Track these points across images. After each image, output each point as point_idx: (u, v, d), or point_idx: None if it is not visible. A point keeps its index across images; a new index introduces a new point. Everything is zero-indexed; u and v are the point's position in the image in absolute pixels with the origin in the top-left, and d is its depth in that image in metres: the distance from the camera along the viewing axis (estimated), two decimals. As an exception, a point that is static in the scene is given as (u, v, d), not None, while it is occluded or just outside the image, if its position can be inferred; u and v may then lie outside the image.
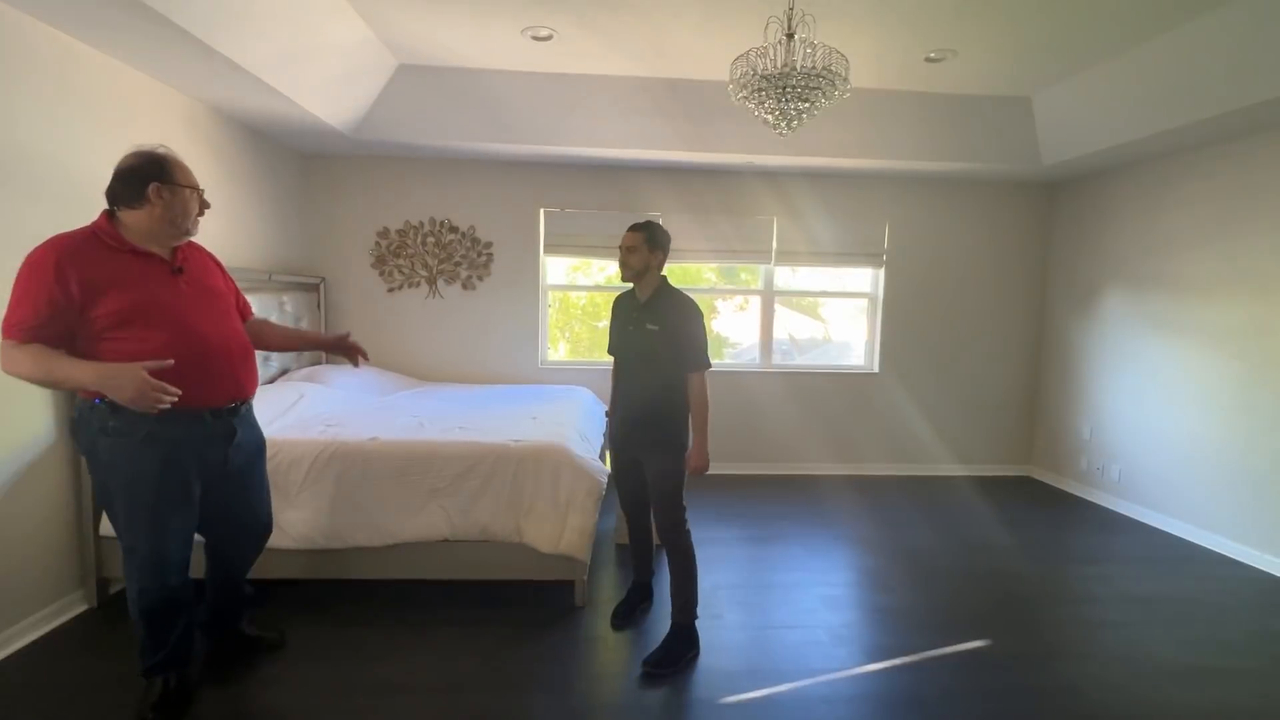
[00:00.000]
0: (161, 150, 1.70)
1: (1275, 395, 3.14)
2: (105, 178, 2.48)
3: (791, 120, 2.22)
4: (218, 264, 1.96)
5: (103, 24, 2.22)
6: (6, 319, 1.55)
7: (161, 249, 1.71)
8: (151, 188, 1.64)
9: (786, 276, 4.77)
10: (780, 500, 4.04)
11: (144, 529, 1.69)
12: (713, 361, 2.28)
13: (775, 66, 2.15)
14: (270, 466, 2.42)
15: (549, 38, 3.02)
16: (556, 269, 4.65)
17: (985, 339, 4.72)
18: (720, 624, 2.49)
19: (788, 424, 4.62)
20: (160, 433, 1.63)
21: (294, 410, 2.92)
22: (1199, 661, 2.31)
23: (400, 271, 4.31)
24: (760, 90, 2.17)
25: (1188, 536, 3.56)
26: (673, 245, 4.54)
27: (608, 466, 3.15)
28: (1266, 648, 2.43)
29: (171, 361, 1.56)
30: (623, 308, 2.40)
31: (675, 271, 4.64)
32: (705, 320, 2.28)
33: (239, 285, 3.21)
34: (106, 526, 2.40)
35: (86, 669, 2.09)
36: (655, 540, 2.46)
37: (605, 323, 4.87)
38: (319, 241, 4.23)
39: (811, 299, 5.01)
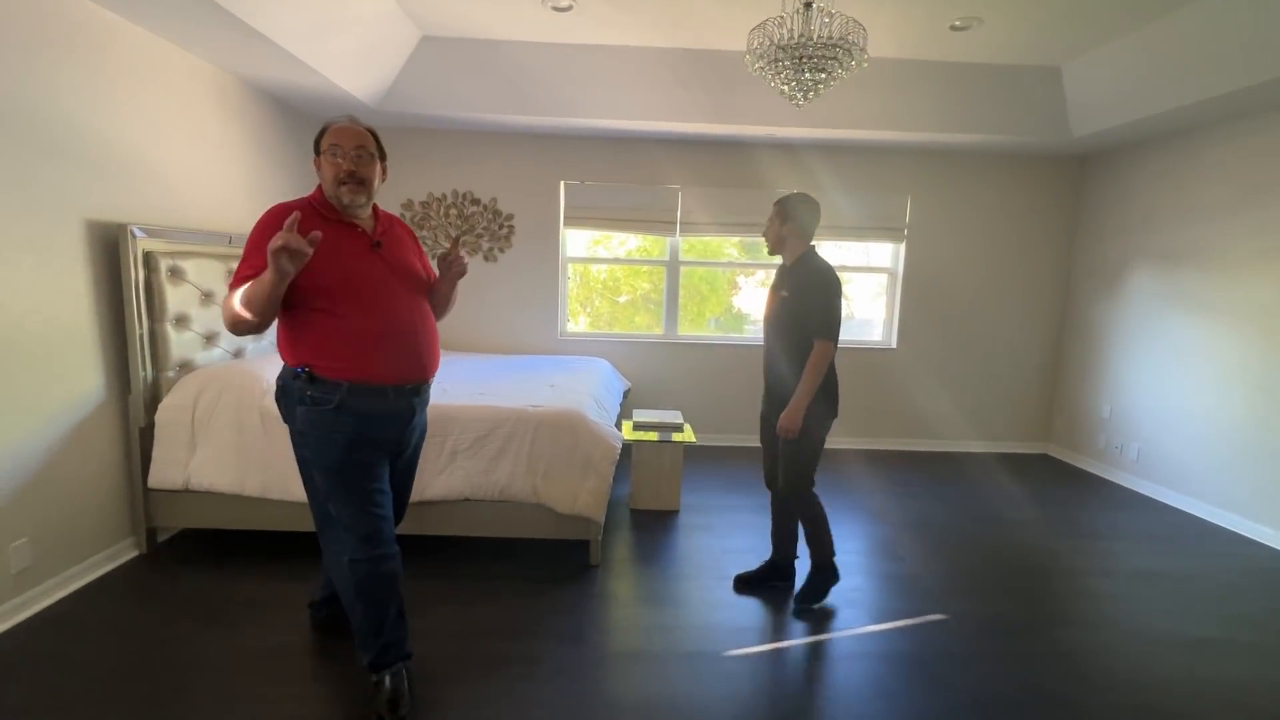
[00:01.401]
0: (332, 121, 1.71)
1: (1301, 374, 3.09)
2: (142, 147, 2.61)
3: (808, 91, 2.23)
4: (414, 239, 1.92)
5: (144, 0, 2.31)
6: (234, 274, 1.61)
7: (360, 221, 1.72)
8: (314, 161, 1.72)
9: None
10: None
11: (346, 497, 1.69)
12: (841, 335, 2.27)
13: (792, 37, 2.15)
14: (302, 426, 2.57)
15: (569, 8, 3.02)
16: (577, 242, 4.70)
17: (1007, 315, 4.67)
18: (727, 584, 2.59)
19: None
20: (350, 404, 1.65)
21: (324, 375, 3.05)
22: (1200, 633, 2.35)
23: (424, 243, 4.40)
24: (777, 61, 2.18)
25: (1204, 515, 3.54)
26: (692, 219, 4.53)
27: (624, 435, 3.25)
28: (1270, 623, 2.44)
29: (319, 235, 1.48)
30: (776, 276, 2.46)
31: (695, 245, 4.67)
32: (838, 291, 2.26)
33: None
34: (155, 479, 2.57)
35: (138, 607, 2.27)
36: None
37: (626, 297, 4.97)
38: (345, 213, 4.33)
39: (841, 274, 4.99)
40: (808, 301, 2.24)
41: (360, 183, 1.68)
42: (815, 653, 2.15)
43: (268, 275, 1.45)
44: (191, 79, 2.91)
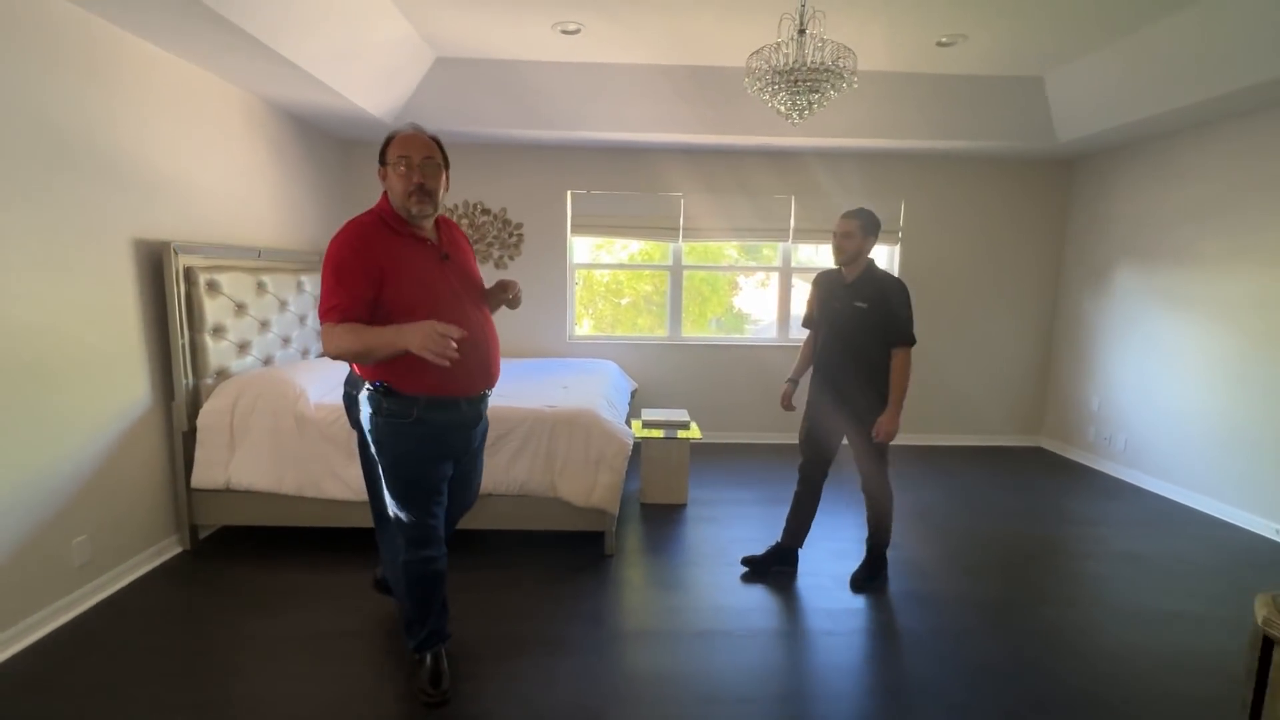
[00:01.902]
0: (397, 130, 1.72)
1: (1272, 366, 3.26)
2: (180, 168, 2.79)
3: (803, 111, 2.40)
4: (469, 242, 1.98)
5: (180, 31, 2.48)
6: (322, 306, 1.64)
7: (423, 231, 1.75)
8: (379, 171, 1.74)
9: (810, 254, 4.94)
10: (793, 467, 4.23)
11: (409, 504, 1.79)
12: (916, 338, 2.46)
13: (788, 61, 2.32)
14: (334, 429, 2.76)
15: (578, 31, 3.21)
16: (581, 246, 4.89)
17: (999, 313, 4.85)
18: (734, 570, 2.76)
19: (802, 395, 4.82)
20: (426, 416, 1.73)
21: (350, 380, 3.23)
22: (1179, 608, 2.52)
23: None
24: (773, 84, 2.35)
25: (1186, 501, 3.71)
26: (694, 225, 4.75)
27: (635, 432, 3.42)
28: (1244, 599, 2.61)
29: (460, 331, 1.55)
30: (827, 286, 2.60)
31: (697, 249, 4.85)
32: (908, 298, 2.46)
33: (294, 266, 3.54)
34: (198, 479, 2.75)
35: (190, 597, 2.46)
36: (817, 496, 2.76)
37: (629, 300, 5.14)
38: (361, 224, 4.51)
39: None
40: (891, 312, 2.42)
41: (428, 194, 1.69)
42: (818, 629, 2.33)
43: (398, 340, 1.53)
44: (222, 103, 3.10)
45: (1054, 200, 4.74)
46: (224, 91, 3.10)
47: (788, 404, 2.79)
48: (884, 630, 2.34)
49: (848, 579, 2.69)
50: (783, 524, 2.80)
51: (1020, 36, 3.21)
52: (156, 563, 2.70)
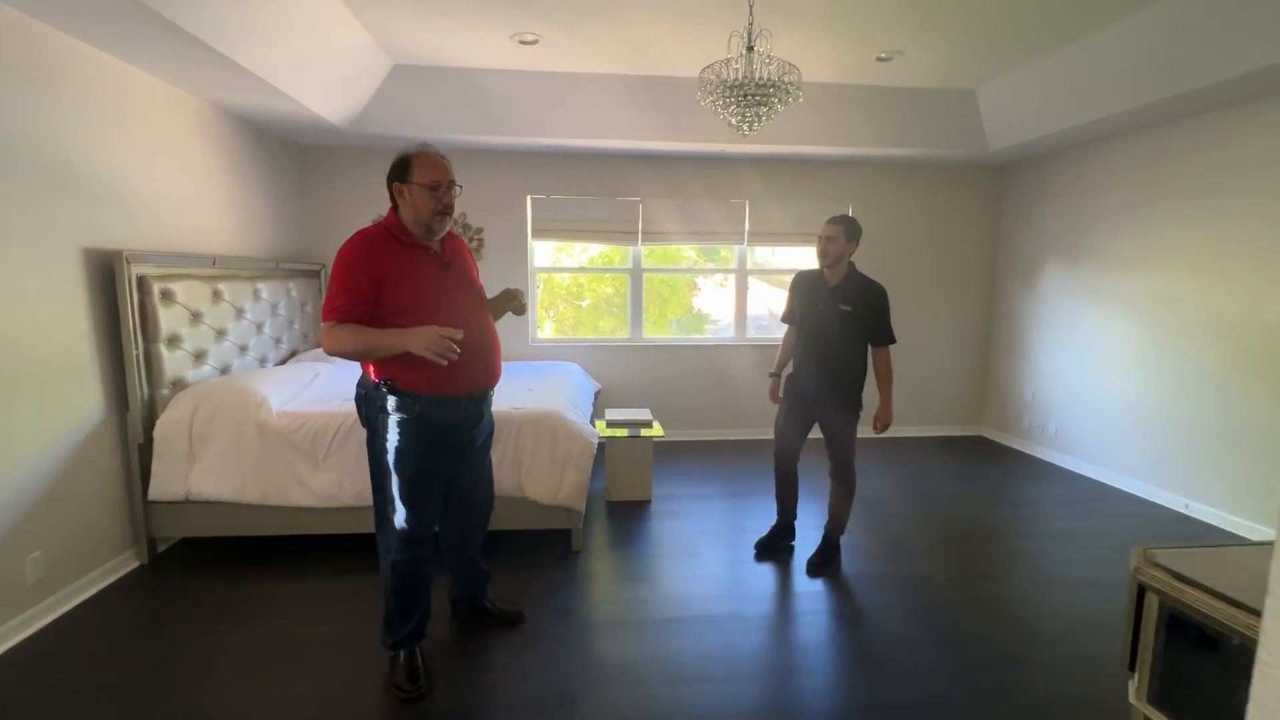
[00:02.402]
0: (415, 149, 1.82)
1: (1182, 357, 3.58)
2: (131, 176, 2.75)
3: (752, 123, 2.55)
4: (470, 253, 2.10)
5: (130, 37, 2.45)
6: (326, 306, 1.76)
7: (429, 243, 1.86)
8: (395, 188, 1.81)
9: (766, 255, 5.12)
10: (753, 462, 4.45)
11: (407, 501, 1.88)
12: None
13: (738, 76, 2.46)
14: (297, 437, 2.76)
15: (535, 42, 3.28)
16: (542, 250, 4.95)
17: (941, 311, 5.13)
18: (698, 561, 2.89)
19: (760, 392, 5.00)
20: (429, 414, 1.83)
21: (312, 387, 3.22)
22: (1099, 578, 2.76)
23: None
24: (724, 97, 2.49)
25: (1110, 482, 4.03)
26: (653, 228, 4.90)
27: (599, 432, 3.52)
28: (1156, 567, 2.88)
29: (460, 333, 1.71)
30: (809, 287, 2.74)
31: (656, 252, 4.97)
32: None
33: (250, 274, 3.50)
34: (155, 491, 2.71)
35: (152, 609, 2.43)
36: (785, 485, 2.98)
37: (589, 302, 5.23)
38: (318, 230, 4.47)
39: (789, 275, 5.37)
40: (875, 314, 2.62)
41: (449, 213, 1.85)
42: (774, 612, 2.47)
43: (399, 343, 1.69)
44: (175, 110, 3.05)
45: (987, 205, 5.05)
46: (177, 98, 3.06)
47: (775, 397, 2.92)
48: (838, 610, 2.50)
49: (802, 565, 2.85)
50: (745, 514, 2.98)
51: (952, 53, 3.45)
52: (114, 578, 2.65)
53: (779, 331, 5.43)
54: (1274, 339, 3.11)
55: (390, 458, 1.87)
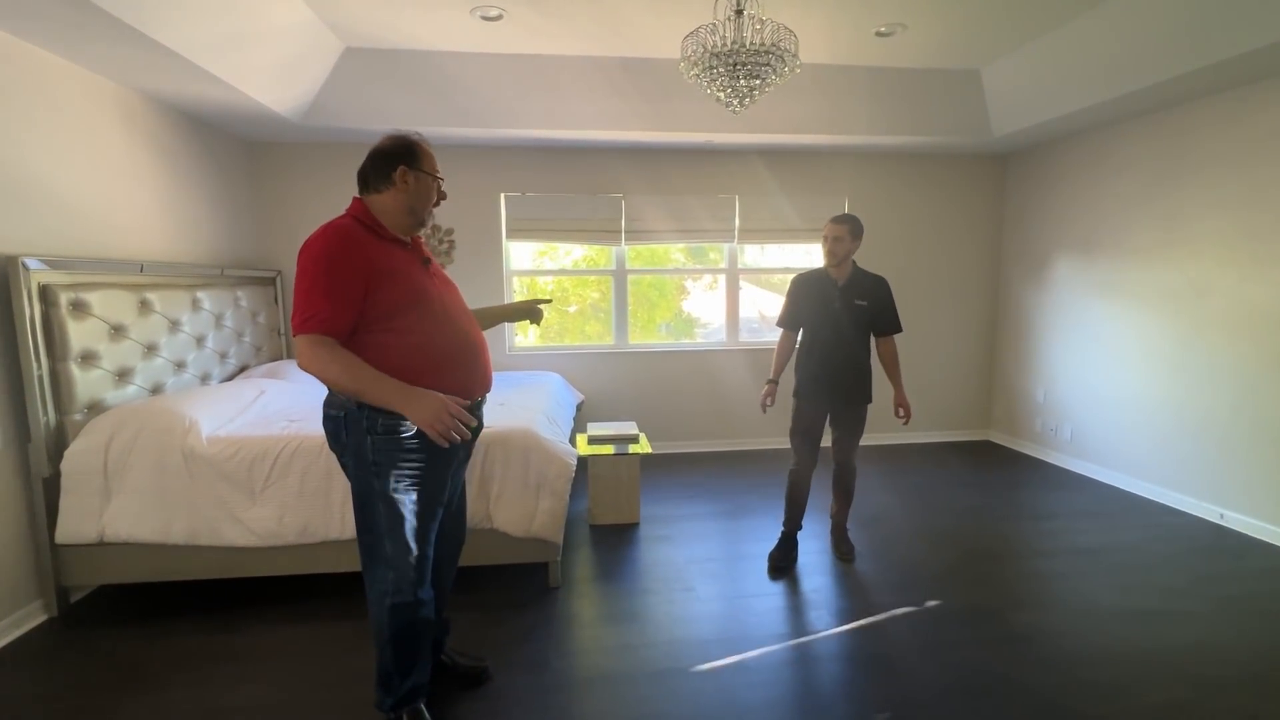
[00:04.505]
0: (414, 136, 1.70)
1: (1209, 353, 3.31)
2: (35, 171, 2.39)
3: (744, 98, 2.24)
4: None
5: (20, 10, 2.11)
6: (300, 314, 1.47)
7: (405, 238, 1.69)
8: (399, 171, 1.62)
9: (756, 255, 4.82)
10: (748, 475, 4.13)
11: (416, 532, 1.62)
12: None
13: (725, 44, 2.15)
14: (232, 465, 2.41)
15: (499, 17, 2.96)
16: (522, 254, 4.61)
17: (944, 309, 4.85)
18: (692, 596, 2.56)
19: (753, 400, 4.68)
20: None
21: (254, 407, 2.86)
22: (1140, 605, 2.46)
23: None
24: (712, 68, 2.18)
25: (1132, 489, 3.75)
26: (637, 227, 4.63)
27: (579, 450, 3.18)
28: (1203, 590, 2.59)
29: (473, 421, 1.60)
30: (816, 287, 2.73)
31: (642, 253, 4.65)
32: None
33: (188, 282, 3.15)
34: (64, 533, 2.34)
35: (54, 675, 2.06)
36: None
37: (575, 307, 4.89)
38: (272, 233, 4.12)
39: (782, 276, 5.07)
40: (888, 306, 2.70)
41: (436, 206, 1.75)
42: (781, 660, 2.14)
43: (399, 402, 1.48)
44: (89, 97, 2.69)
45: (990, 195, 4.78)
46: (90, 84, 2.70)
47: (767, 404, 2.79)
48: (851, 654, 2.17)
49: (807, 596, 2.53)
50: (741, 536, 2.86)
51: (959, 27, 3.16)
52: (16, 634, 2.28)
53: (772, 335, 5.17)
54: (1317, 332, 2.84)
55: (389, 484, 1.58)
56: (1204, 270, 3.33)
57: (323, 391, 2.42)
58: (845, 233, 2.62)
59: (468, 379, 1.69)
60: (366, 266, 1.51)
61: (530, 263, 4.69)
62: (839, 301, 2.66)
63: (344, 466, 1.67)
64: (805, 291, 2.74)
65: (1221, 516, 3.25)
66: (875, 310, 2.67)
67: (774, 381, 2.80)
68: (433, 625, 1.74)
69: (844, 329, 2.66)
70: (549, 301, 2.13)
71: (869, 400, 2.75)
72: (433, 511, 1.67)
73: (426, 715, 1.73)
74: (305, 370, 1.50)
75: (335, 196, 4.11)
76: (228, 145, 3.78)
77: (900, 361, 2.80)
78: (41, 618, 2.39)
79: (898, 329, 2.73)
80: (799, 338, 2.80)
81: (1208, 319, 3.32)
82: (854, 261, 2.71)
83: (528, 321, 2.08)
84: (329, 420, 1.64)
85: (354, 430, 1.58)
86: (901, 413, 2.72)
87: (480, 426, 1.84)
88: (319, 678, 2.03)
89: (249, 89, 3.00)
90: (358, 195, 1.67)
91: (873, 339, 2.75)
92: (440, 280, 1.75)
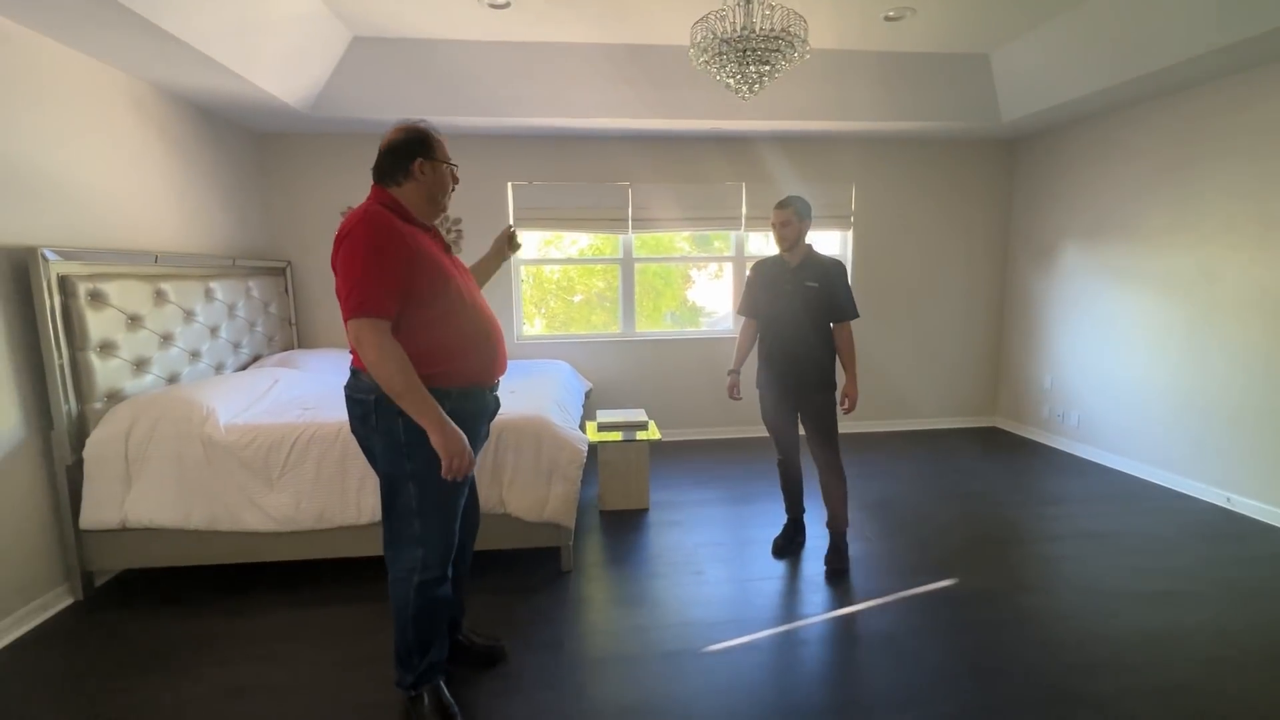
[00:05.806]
0: (424, 125, 1.71)
1: (1219, 338, 3.30)
2: (51, 163, 2.42)
3: (753, 84, 2.24)
4: None
5: (36, 3, 2.13)
6: (354, 297, 1.48)
7: (430, 225, 1.74)
8: (416, 163, 1.64)
9: (761, 243, 4.82)
10: (756, 461, 4.15)
11: (438, 513, 1.68)
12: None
13: (735, 30, 2.15)
14: (249, 452, 2.45)
15: (507, 5, 2.96)
16: (528, 243, 4.63)
17: (951, 295, 4.84)
18: (702, 579, 2.59)
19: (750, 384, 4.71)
20: (460, 408, 1.64)
21: (269, 395, 2.90)
22: (1150, 588, 2.48)
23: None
24: (721, 54, 2.18)
25: (1141, 475, 3.75)
26: (644, 215, 4.62)
27: (589, 437, 3.22)
28: (1210, 573, 2.60)
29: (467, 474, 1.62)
30: (770, 273, 2.66)
31: (648, 242, 4.66)
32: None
33: (201, 272, 3.18)
34: (87, 519, 2.39)
35: (81, 658, 2.11)
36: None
37: (581, 296, 4.91)
38: (282, 224, 4.14)
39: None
40: (838, 289, 2.56)
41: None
42: (790, 641, 2.17)
43: (434, 420, 1.53)
44: (103, 89, 2.72)
45: (999, 181, 4.76)
46: (105, 76, 2.72)
47: (734, 394, 2.79)
48: (861, 636, 2.21)
49: (815, 579, 2.56)
50: (750, 521, 2.84)
51: (967, 11, 3.14)
52: (43, 617, 2.34)
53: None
54: (1328, 316, 2.83)
55: (421, 464, 1.62)
56: (1214, 255, 3.31)
57: (336, 380, 2.46)
58: (792, 216, 2.54)
59: (490, 362, 1.74)
60: (407, 251, 1.54)
61: (536, 252, 4.70)
62: (790, 284, 2.57)
63: (366, 450, 1.71)
64: (761, 277, 2.68)
65: (1229, 500, 3.26)
66: (826, 292, 2.54)
67: (735, 372, 2.77)
68: (450, 603, 1.79)
69: (797, 313, 2.56)
70: (510, 226, 2.16)
71: (830, 388, 2.60)
72: (460, 489, 1.72)
73: (445, 692, 1.78)
74: (364, 356, 1.51)
75: (344, 187, 4.15)
76: (238, 136, 3.80)
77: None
78: (67, 601, 2.45)
79: (853, 314, 2.58)
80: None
81: (1217, 304, 3.31)
82: (810, 246, 2.62)
83: (509, 253, 2.14)
84: (357, 404, 1.66)
85: (385, 413, 1.61)
86: (846, 404, 2.56)
87: (498, 407, 1.89)
88: (337, 659, 2.08)
89: (258, 79, 3.01)
90: (376, 186, 1.68)
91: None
92: (459, 267, 1.79)
